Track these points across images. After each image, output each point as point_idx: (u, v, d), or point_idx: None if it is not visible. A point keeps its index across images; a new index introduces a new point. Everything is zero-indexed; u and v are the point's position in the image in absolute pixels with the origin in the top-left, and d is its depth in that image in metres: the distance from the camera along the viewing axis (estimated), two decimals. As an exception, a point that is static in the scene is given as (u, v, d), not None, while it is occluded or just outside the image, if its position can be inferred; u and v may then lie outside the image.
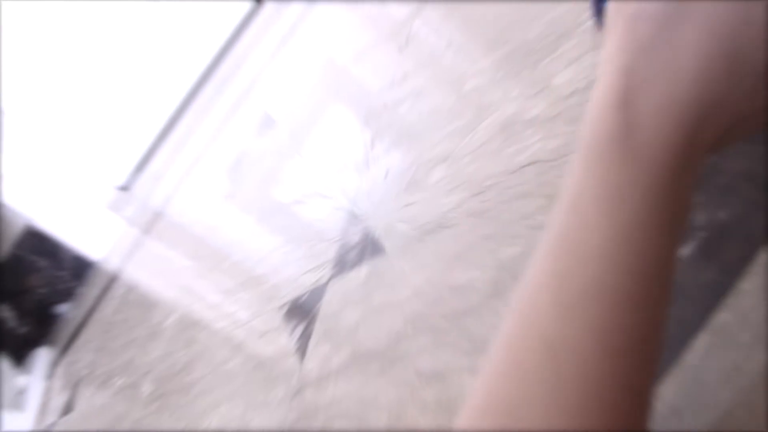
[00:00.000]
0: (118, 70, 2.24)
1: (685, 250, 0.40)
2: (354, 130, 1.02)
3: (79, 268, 2.13)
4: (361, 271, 0.72)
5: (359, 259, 0.73)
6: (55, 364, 1.79)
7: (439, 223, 0.66)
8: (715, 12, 0.27)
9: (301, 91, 1.45)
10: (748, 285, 0.38)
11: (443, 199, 0.67)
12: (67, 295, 2.13)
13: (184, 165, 1.93)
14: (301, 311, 0.78)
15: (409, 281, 0.63)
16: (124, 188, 2.25)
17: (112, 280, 1.81)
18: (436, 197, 0.69)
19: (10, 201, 2.02)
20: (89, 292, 2.00)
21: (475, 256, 0.59)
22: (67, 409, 1.40)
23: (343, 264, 0.76)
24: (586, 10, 0.64)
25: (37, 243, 2.10)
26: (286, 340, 0.76)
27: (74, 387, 1.47)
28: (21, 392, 1.75)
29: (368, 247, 0.73)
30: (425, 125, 0.81)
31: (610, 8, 0.30)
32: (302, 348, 0.72)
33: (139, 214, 2.04)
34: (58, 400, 1.52)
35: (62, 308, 2.13)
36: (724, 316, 0.38)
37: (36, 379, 1.77)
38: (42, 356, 1.89)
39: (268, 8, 2.25)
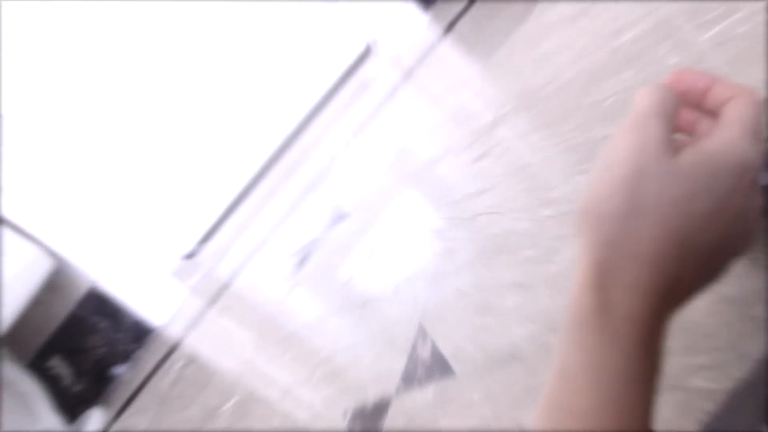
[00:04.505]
0: (190, 142, 2.32)
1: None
2: (427, 237, 1.04)
3: (139, 332, 2.18)
4: (428, 392, 0.72)
5: (427, 378, 0.74)
6: (107, 426, 1.81)
7: (510, 353, 0.66)
8: (665, 209, 0.34)
9: (373, 184, 1.48)
10: None
11: (516, 328, 0.68)
12: (124, 357, 2.17)
13: (252, 243, 1.97)
14: (365, 422, 0.78)
15: (478, 412, 0.64)
16: (190, 257, 2.31)
17: (172, 349, 1.84)
18: (508, 325, 0.69)
19: (77, 262, 2.09)
20: (147, 357, 2.04)
21: (548, 396, 0.59)
22: (116, 478, 1.42)
23: (410, 379, 0.77)
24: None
25: (100, 304, 2.16)
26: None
27: (125, 455, 1.49)
28: (71, 452, 1.77)
29: (437, 367, 0.73)
30: (500, 246, 0.83)
31: (579, 211, 0.37)
32: (364, 463, 0.72)
33: (203, 285, 2.09)
34: (108, 466, 1.54)
35: (118, 370, 2.17)
36: None
37: (87, 439, 1.80)
38: (95, 417, 1.92)
39: (343, 96, 2.33)
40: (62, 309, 2.12)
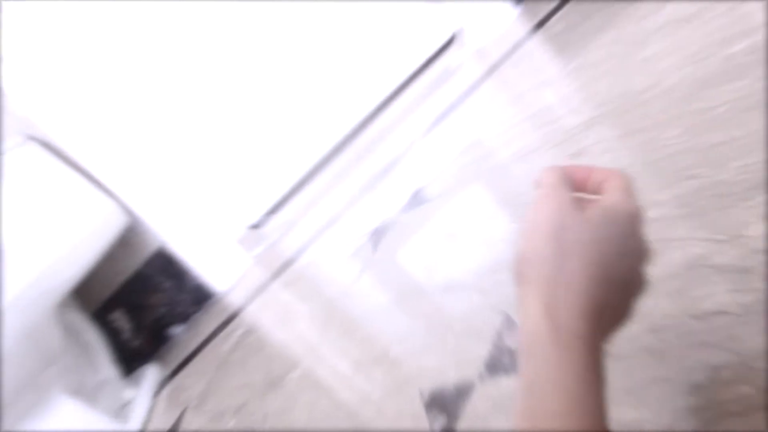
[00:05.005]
0: (269, 114, 2.35)
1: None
2: (514, 229, 1.03)
3: (200, 296, 2.22)
4: (516, 381, 0.71)
5: (514, 367, 0.73)
6: (162, 383, 1.85)
7: (608, 351, 0.65)
8: (584, 251, 0.44)
9: (455, 171, 1.47)
10: None
11: (614, 327, 0.67)
12: (183, 319, 2.22)
13: (321, 220, 1.99)
14: (444, 404, 0.78)
15: (570, 405, 0.63)
16: (256, 227, 2.34)
17: (232, 316, 1.88)
18: (605, 323, 0.68)
19: (149, 221, 2.13)
20: (205, 321, 2.08)
21: (648, 397, 0.58)
22: (172, 432, 1.44)
23: (495, 367, 0.76)
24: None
25: (166, 265, 2.21)
26: (425, 429, 0.77)
27: (181, 413, 1.51)
28: (126, 404, 1.81)
29: (525, 357, 0.73)
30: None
31: (518, 262, 0.46)
32: (443, 444, 0.72)
33: (267, 257, 2.11)
34: (162, 421, 1.57)
35: (176, 330, 2.22)
36: None
37: (143, 394, 1.83)
38: (151, 373, 1.96)
39: (424, 82, 2.33)
40: (130, 265, 2.18)
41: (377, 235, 1.49)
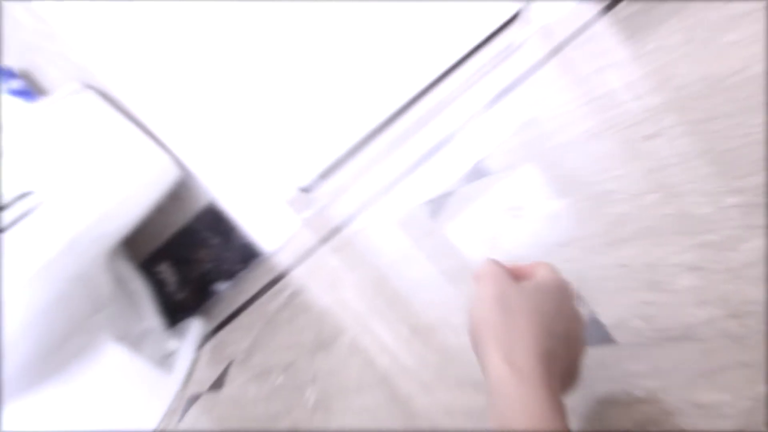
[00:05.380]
0: (327, 77, 2.35)
1: None
2: (580, 206, 1.02)
3: (246, 254, 2.25)
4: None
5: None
6: (207, 337, 1.88)
7: (684, 333, 0.64)
8: (526, 311, 0.55)
9: (520, 147, 1.46)
10: None
11: (691, 309, 0.66)
12: (228, 276, 2.25)
13: (373, 188, 1.99)
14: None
15: (642, 383, 0.62)
16: (306, 191, 2.36)
17: (279, 277, 1.89)
18: (682, 306, 0.67)
19: (201, 177, 2.16)
20: (252, 279, 2.11)
21: (728, 381, 0.57)
22: (217, 385, 1.47)
23: (561, 341, 0.76)
24: None
25: (214, 221, 2.24)
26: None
27: (226, 367, 1.54)
28: (169, 355, 1.85)
29: (594, 333, 0.72)
30: (672, 227, 0.80)
31: (472, 329, 0.57)
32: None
33: (316, 221, 2.13)
34: (206, 374, 1.60)
35: (220, 287, 2.25)
36: None
37: (186, 346, 1.87)
38: (195, 326, 2.00)
39: (485, 56, 2.31)
40: (180, 219, 2.21)
41: (435, 206, 1.48)
